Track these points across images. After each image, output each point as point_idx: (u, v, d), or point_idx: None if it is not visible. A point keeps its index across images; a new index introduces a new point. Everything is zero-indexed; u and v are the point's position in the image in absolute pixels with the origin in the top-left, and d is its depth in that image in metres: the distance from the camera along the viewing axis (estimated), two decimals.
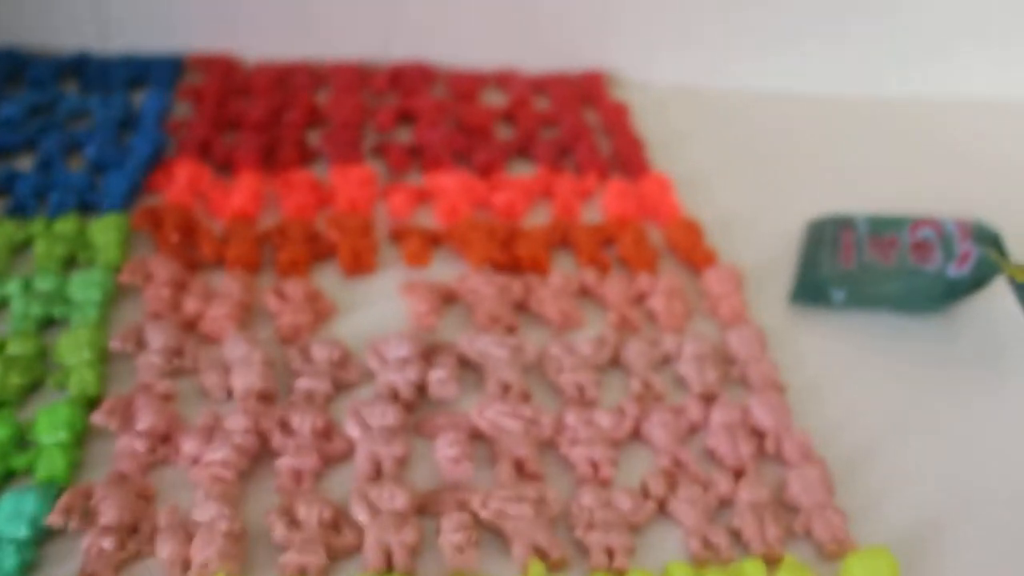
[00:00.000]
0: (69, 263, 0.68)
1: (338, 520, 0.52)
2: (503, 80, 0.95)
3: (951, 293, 0.71)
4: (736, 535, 0.55)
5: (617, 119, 0.91)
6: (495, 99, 0.93)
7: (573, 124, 0.88)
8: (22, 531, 0.50)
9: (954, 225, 0.74)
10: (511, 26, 0.97)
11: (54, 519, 0.50)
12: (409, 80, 0.92)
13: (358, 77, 0.92)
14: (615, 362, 0.66)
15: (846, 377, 0.67)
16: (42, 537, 0.50)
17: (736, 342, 0.67)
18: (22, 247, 0.69)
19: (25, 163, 0.78)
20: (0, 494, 0.52)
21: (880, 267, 0.74)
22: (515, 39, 0.97)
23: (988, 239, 0.72)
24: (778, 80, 0.98)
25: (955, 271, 0.70)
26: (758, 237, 0.79)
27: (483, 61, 0.97)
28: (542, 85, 0.95)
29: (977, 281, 0.70)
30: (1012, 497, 0.59)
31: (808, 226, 0.80)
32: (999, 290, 0.70)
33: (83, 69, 0.90)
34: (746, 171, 0.87)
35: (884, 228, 0.76)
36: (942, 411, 0.65)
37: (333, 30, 0.94)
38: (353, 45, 0.95)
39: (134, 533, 0.51)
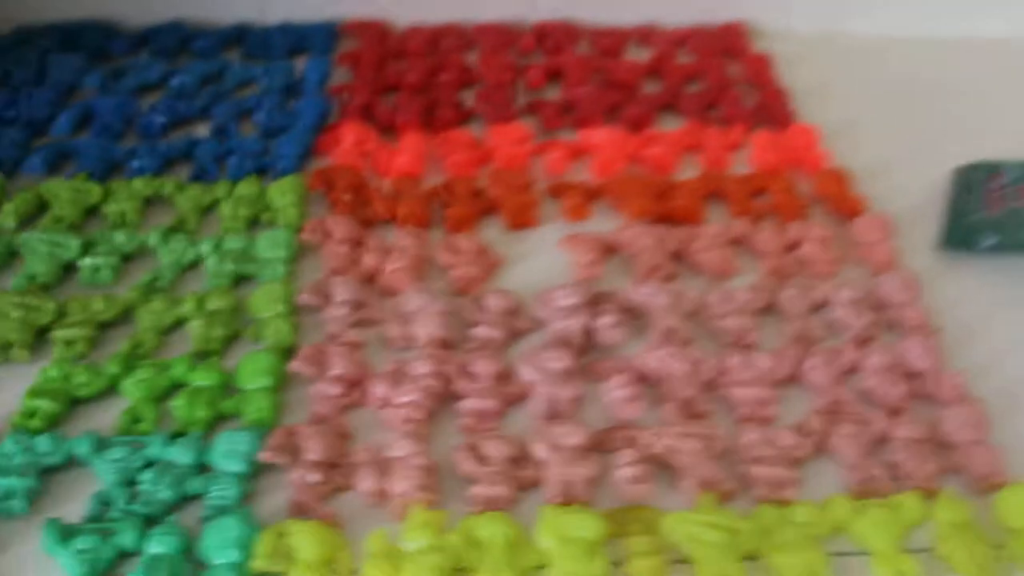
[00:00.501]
0: (253, 223, 0.72)
1: (520, 456, 0.56)
2: (645, 35, 0.97)
3: None
4: (894, 470, 0.57)
5: (760, 70, 0.92)
6: (639, 54, 0.95)
7: (717, 77, 0.90)
8: (238, 466, 0.54)
9: None
10: None
11: (267, 456, 0.55)
12: (555, 38, 0.95)
13: (506, 37, 0.95)
14: (771, 308, 0.68)
15: (997, 320, 0.69)
16: (255, 472, 0.55)
17: (888, 287, 0.68)
18: (208, 209, 0.74)
19: (201, 130, 0.82)
20: (212, 434, 0.56)
21: None
22: None
23: None
24: (920, 23, 0.98)
25: None
26: (906, 184, 0.80)
27: (624, 17, 0.98)
28: (684, 39, 0.97)
29: None
30: None
31: (955, 172, 0.80)
32: None
33: (244, 39, 0.94)
34: (892, 118, 0.88)
35: None
36: None
37: None
38: (498, 6, 0.98)
39: (336, 468, 0.55)
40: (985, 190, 0.77)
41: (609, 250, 0.71)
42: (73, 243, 0.69)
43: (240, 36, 0.95)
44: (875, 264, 0.71)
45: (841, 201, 0.76)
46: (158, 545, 0.51)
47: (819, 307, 0.68)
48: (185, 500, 0.54)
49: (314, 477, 0.54)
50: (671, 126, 0.85)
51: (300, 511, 0.53)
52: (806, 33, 0.99)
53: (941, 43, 0.97)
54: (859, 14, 0.99)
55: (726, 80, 0.90)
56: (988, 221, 0.74)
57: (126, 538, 0.51)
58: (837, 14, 0.99)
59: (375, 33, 0.95)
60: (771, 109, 0.87)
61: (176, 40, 0.94)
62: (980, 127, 0.86)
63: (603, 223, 0.74)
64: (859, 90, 0.92)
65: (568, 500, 0.54)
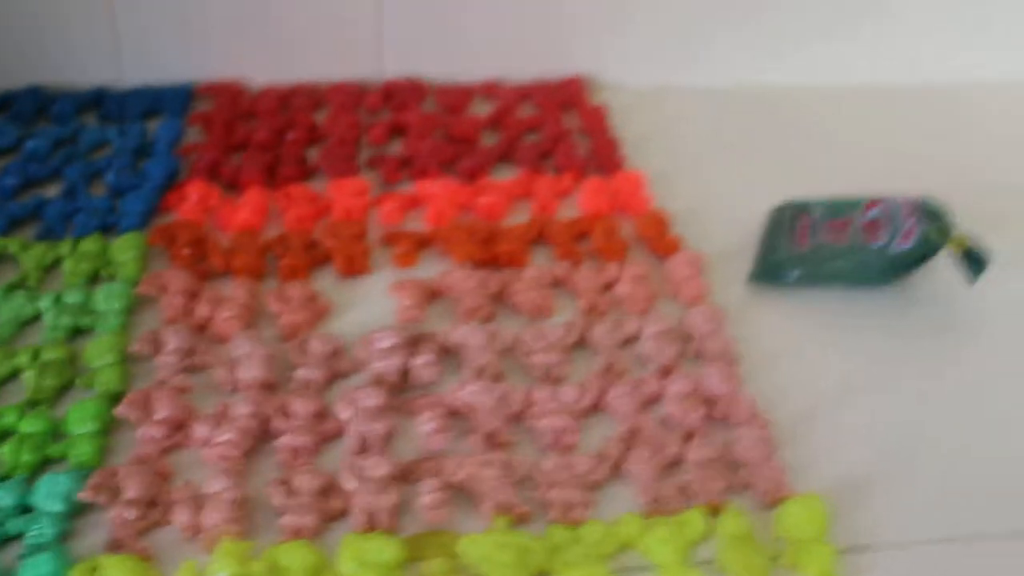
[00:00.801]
0: (94, 278, 0.76)
1: (329, 488, 0.60)
2: (490, 90, 1.02)
3: (896, 267, 0.78)
4: (684, 490, 0.62)
5: (596, 121, 0.98)
6: (483, 108, 1.00)
7: (554, 128, 0.96)
8: (58, 506, 0.58)
9: (902, 203, 0.80)
10: (498, 39, 1.04)
11: (86, 495, 0.58)
12: (401, 95, 1.00)
13: (355, 95, 1.00)
14: (583, 344, 0.73)
15: (799, 349, 0.74)
16: (75, 512, 0.58)
17: (695, 320, 0.74)
18: (52, 266, 0.77)
19: (52, 191, 0.86)
20: (38, 478, 0.60)
21: (832, 247, 0.80)
22: (502, 51, 1.04)
23: (933, 215, 0.78)
24: (748, 75, 1.05)
25: (899, 246, 0.77)
26: (724, 225, 0.86)
27: (472, 73, 1.04)
28: (527, 93, 1.02)
29: (920, 255, 0.77)
30: (942, 455, 0.66)
31: (769, 213, 0.86)
32: (946, 265, 0.76)
33: (102, 102, 0.98)
34: (716, 163, 0.94)
35: (839, 211, 0.82)
36: (886, 378, 0.72)
37: (331, 53, 1.01)
38: (350, 65, 1.02)
39: (154, 506, 0.59)
40: (794, 228, 0.83)
41: (433, 294, 0.76)
42: None
43: (98, 99, 0.98)
44: (686, 299, 0.76)
45: (659, 241, 0.82)
46: None
47: (629, 341, 0.73)
48: (7, 541, 0.57)
49: (131, 514, 0.58)
50: (507, 176, 0.89)
51: (117, 547, 0.56)
52: (641, 86, 1.05)
53: (766, 92, 1.04)
54: (688, 68, 1.05)
55: (562, 131, 0.95)
56: (795, 256, 0.80)
57: None
58: (669, 68, 1.06)
59: (229, 94, 0.99)
60: (602, 157, 0.92)
61: (34, 104, 0.97)
62: (800, 169, 0.93)
63: (433, 270, 0.78)
64: (688, 138, 0.98)
65: (373, 528, 0.58)
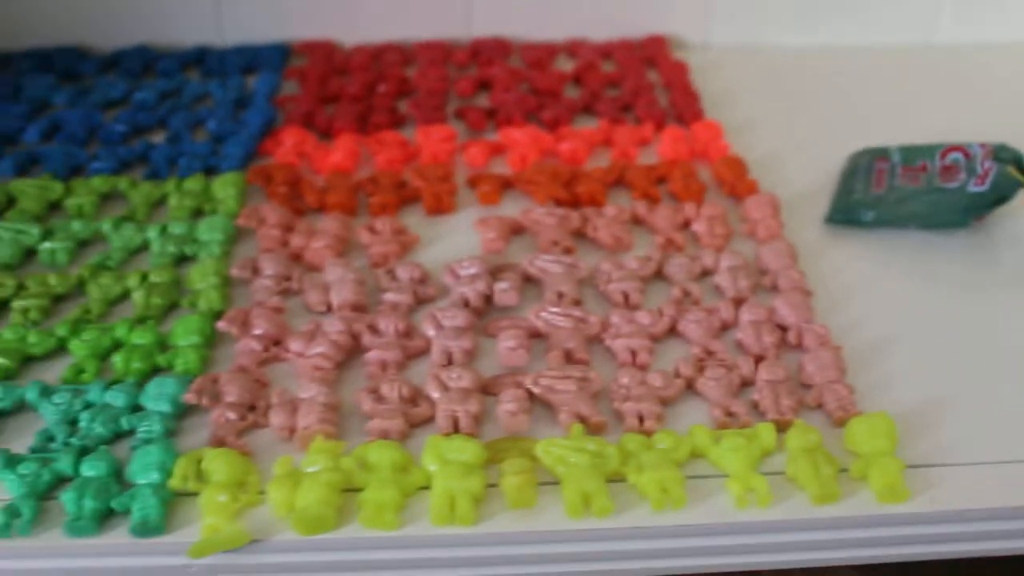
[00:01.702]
0: (197, 213, 0.80)
1: (415, 397, 0.64)
2: (574, 48, 1.06)
3: (972, 208, 0.79)
4: (755, 407, 0.65)
5: (676, 76, 1.00)
6: (567, 65, 1.03)
7: (635, 82, 0.99)
8: (165, 406, 0.62)
9: (979, 147, 0.81)
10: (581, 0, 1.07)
11: (190, 397, 0.63)
12: (488, 53, 1.04)
13: (443, 53, 1.04)
14: (661, 277, 0.75)
15: (873, 286, 0.76)
16: (180, 413, 0.63)
17: (768, 255, 0.76)
18: (158, 203, 0.82)
19: (158, 138, 0.91)
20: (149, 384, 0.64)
21: (909, 188, 0.82)
22: (585, 12, 1.08)
23: (1009, 158, 0.80)
24: (820, 36, 1.07)
25: (975, 187, 0.79)
26: (801, 171, 0.88)
27: (556, 34, 1.07)
28: (609, 50, 1.05)
29: (997, 195, 0.78)
30: (1011, 386, 0.67)
31: (848, 158, 0.88)
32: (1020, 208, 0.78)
33: (204, 59, 1.03)
34: (792, 117, 0.96)
35: (916, 156, 0.84)
36: (959, 315, 0.74)
37: (420, 12, 1.06)
38: (438, 26, 1.06)
39: (252, 409, 0.63)
40: (872, 171, 0.84)
41: (516, 229, 0.79)
42: (34, 231, 0.77)
43: (200, 57, 1.04)
44: (761, 237, 0.79)
45: (736, 184, 0.84)
46: (90, 469, 0.58)
47: (705, 274, 0.76)
48: (120, 436, 0.62)
49: (231, 415, 0.62)
50: (589, 126, 0.92)
51: (218, 444, 0.61)
52: (721, 46, 1.08)
53: (838, 53, 1.07)
54: (767, 31, 1.08)
55: (644, 85, 0.98)
56: (871, 198, 0.82)
57: (63, 464, 0.58)
58: (749, 30, 1.08)
59: (323, 52, 1.03)
60: (682, 109, 0.95)
61: (142, 62, 1.02)
62: (873, 123, 0.94)
63: (517, 209, 0.82)
64: (764, 95, 1.00)
65: (453, 432, 0.62)
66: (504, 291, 0.71)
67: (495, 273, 0.73)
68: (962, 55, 1.07)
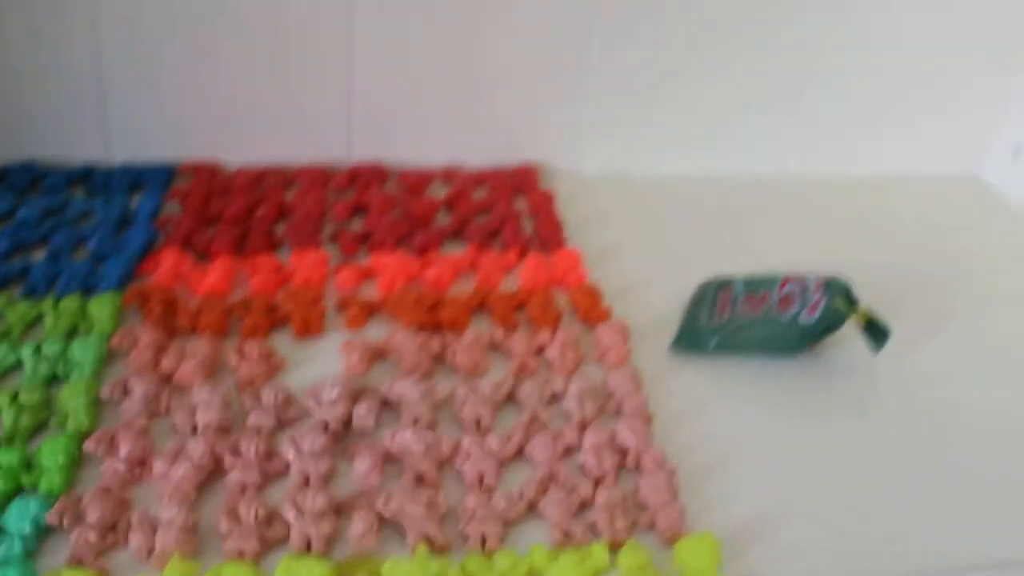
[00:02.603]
0: (72, 333, 0.84)
1: (272, 518, 0.67)
2: (448, 175, 1.12)
3: (805, 337, 0.86)
4: (592, 528, 0.69)
5: (543, 205, 1.07)
6: (441, 192, 1.09)
7: (504, 209, 1.04)
8: (26, 527, 0.65)
9: (813, 279, 0.88)
10: (458, 127, 1.13)
11: (51, 518, 0.66)
12: (366, 177, 1.09)
13: (323, 176, 1.09)
14: (513, 400, 0.80)
15: (711, 410, 0.82)
16: (42, 534, 0.66)
17: (615, 381, 0.81)
18: (34, 322, 0.85)
19: (39, 256, 0.94)
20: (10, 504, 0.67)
21: (748, 317, 0.88)
22: (462, 138, 1.14)
23: (839, 290, 0.87)
24: (681, 166, 1.15)
25: (806, 318, 0.85)
26: (655, 298, 0.94)
27: (432, 159, 1.13)
28: (482, 178, 1.11)
29: (825, 325, 0.85)
30: (830, 509, 0.73)
31: (695, 287, 0.94)
32: (851, 336, 0.85)
33: (90, 177, 1.07)
34: (651, 244, 1.03)
35: (757, 287, 0.90)
36: (788, 439, 0.79)
37: (303, 138, 1.11)
38: (320, 149, 1.12)
39: (113, 530, 0.66)
40: (716, 300, 0.91)
41: (379, 353, 0.84)
42: None
43: (86, 174, 1.07)
44: (610, 363, 0.84)
45: (589, 312, 0.90)
46: None
47: (555, 399, 0.81)
48: None
49: (91, 535, 0.65)
50: (457, 252, 0.98)
51: (77, 564, 0.64)
52: (591, 172, 1.14)
53: (703, 180, 1.14)
54: (636, 158, 1.15)
55: (511, 212, 1.04)
56: (714, 326, 0.88)
57: None
58: (618, 157, 1.15)
59: (207, 172, 1.08)
60: (545, 236, 1.01)
61: (28, 177, 1.06)
62: (728, 250, 1.01)
63: (382, 333, 0.86)
64: (628, 221, 1.07)
65: (307, 552, 0.65)
66: (363, 415, 0.75)
67: (356, 396, 0.77)
68: (815, 184, 1.15)
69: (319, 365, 0.83)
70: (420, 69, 1.08)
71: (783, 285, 0.89)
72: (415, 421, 0.76)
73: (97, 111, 1.07)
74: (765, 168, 1.18)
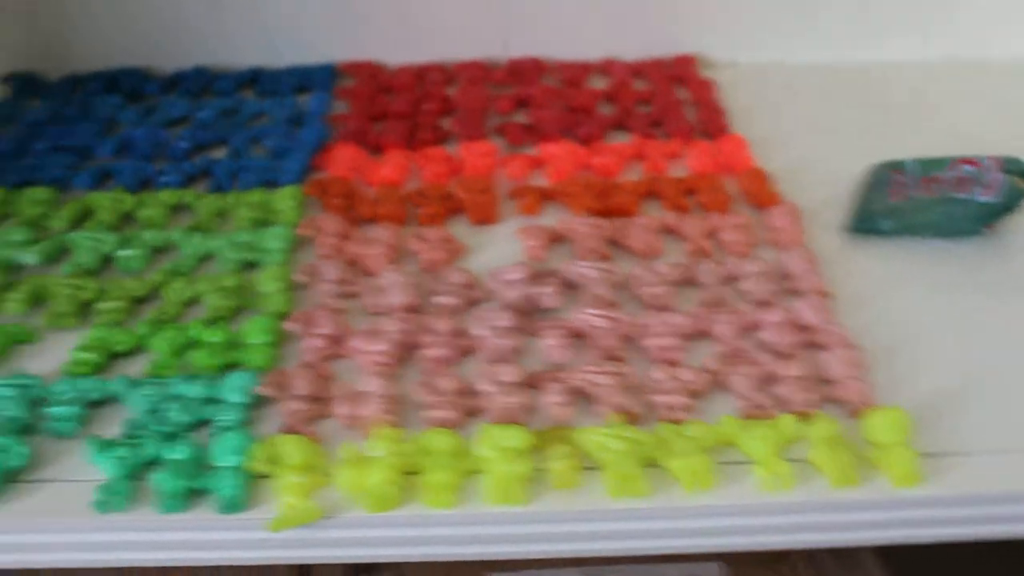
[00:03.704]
0: (258, 224, 0.87)
1: (468, 391, 0.70)
2: (606, 67, 1.12)
3: (982, 217, 0.85)
4: (778, 401, 0.70)
5: (704, 93, 1.06)
6: (599, 83, 1.10)
7: (665, 99, 1.05)
8: (240, 398, 0.68)
9: (989, 160, 0.87)
10: (613, 21, 1.13)
11: (262, 389, 0.69)
12: (525, 72, 1.10)
13: (482, 72, 1.10)
14: (690, 282, 0.81)
15: (890, 291, 0.81)
16: (253, 404, 0.69)
17: (791, 261, 0.82)
18: (222, 214, 0.89)
19: (219, 154, 0.98)
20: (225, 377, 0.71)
21: (923, 199, 0.87)
22: (617, 33, 1.14)
23: (1018, 169, 0.85)
24: (846, 52, 1.13)
25: (984, 197, 0.84)
26: (822, 183, 0.93)
27: (589, 53, 1.13)
28: (640, 69, 1.11)
29: (1005, 205, 0.84)
30: (1014, 378, 0.73)
31: (866, 170, 0.94)
32: None
33: (258, 80, 1.10)
34: (812, 132, 1.02)
35: (932, 168, 0.89)
36: (970, 319, 0.79)
37: (459, 35, 1.12)
38: (476, 47, 1.13)
39: (318, 401, 0.69)
40: (889, 183, 0.90)
41: (555, 238, 0.85)
42: (111, 239, 0.84)
43: (254, 78, 1.10)
44: (784, 245, 0.84)
45: (760, 196, 0.90)
46: (176, 453, 0.64)
47: (731, 279, 0.81)
48: (200, 424, 0.68)
49: (300, 406, 0.68)
50: (621, 141, 0.98)
51: (290, 431, 0.67)
52: (746, 63, 1.13)
53: (855, 68, 1.12)
54: (791, 47, 1.13)
55: (672, 101, 1.04)
56: (888, 208, 0.87)
57: (151, 449, 0.65)
58: (773, 48, 1.13)
59: (368, 72, 1.10)
60: (709, 124, 1.01)
61: (200, 82, 1.09)
62: (885, 137, 1.00)
63: (553, 219, 0.88)
64: (789, 110, 1.06)
65: (504, 423, 0.68)
66: (547, 294, 0.77)
67: (537, 278, 0.79)
68: (974, 70, 1.12)
69: (497, 250, 0.85)
70: None
71: (958, 165, 0.88)
72: (597, 300, 0.77)
73: (262, 17, 1.10)
74: (931, 54, 1.15)
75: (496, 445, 0.65)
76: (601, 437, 0.66)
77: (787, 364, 0.72)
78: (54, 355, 0.75)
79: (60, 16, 1.11)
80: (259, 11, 1.10)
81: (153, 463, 0.65)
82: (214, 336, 0.73)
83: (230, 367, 0.72)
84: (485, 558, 0.65)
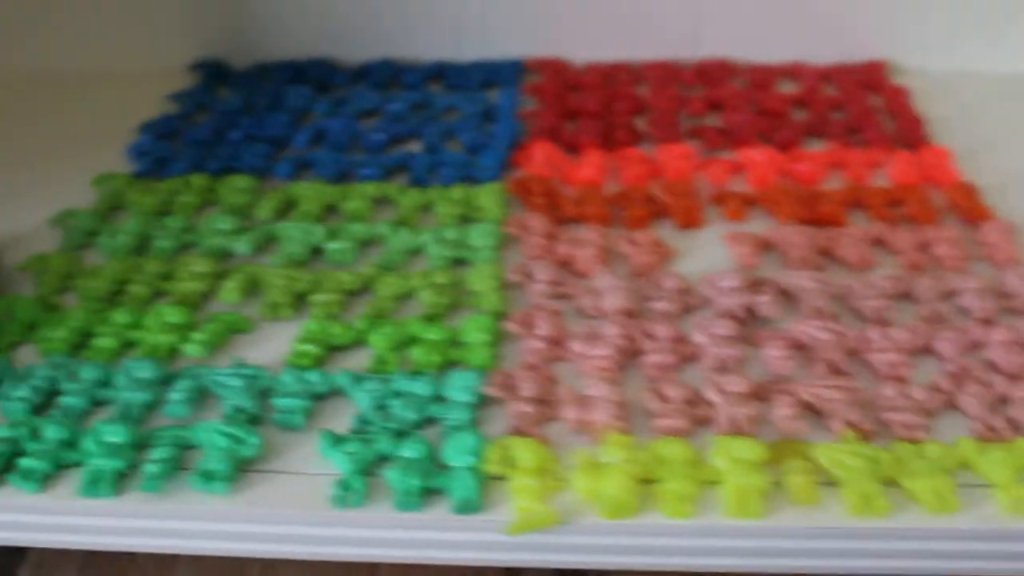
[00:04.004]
0: (462, 220, 0.87)
1: (694, 399, 0.69)
2: (794, 71, 1.10)
3: None
4: (1013, 423, 0.68)
5: (898, 101, 1.04)
6: (788, 88, 1.08)
7: (859, 107, 1.02)
8: (468, 397, 0.68)
9: None
10: (800, 25, 1.11)
11: (491, 390, 0.69)
12: (712, 73, 1.09)
13: (670, 73, 1.09)
14: (906, 296, 0.79)
15: None
16: (479, 403, 0.69)
17: (1012, 279, 0.79)
18: (424, 208, 0.89)
19: (413, 147, 0.98)
20: (441, 375, 0.70)
21: None
22: (804, 37, 1.12)
23: None
24: None
25: None
26: None
27: (775, 56, 1.12)
28: (829, 75, 1.09)
29: None
30: None
31: None
32: None
33: (444, 74, 1.10)
34: (1016, 144, 0.99)
35: None
36: None
37: (646, 34, 1.11)
38: (663, 47, 1.12)
39: (544, 403, 0.69)
40: None
41: (765, 246, 0.84)
42: (319, 231, 0.84)
43: (440, 71, 1.11)
44: (999, 262, 0.82)
45: (970, 210, 0.87)
46: (409, 451, 0.64)
47: (949, 296, 0.79)
48: (426, 422, 0.68)
49: (528, 408, 0.68)
50: (817, 148, 0.97)
51: (519, 433, 0.67)
52: (938, 71, 1.10)
53: None
54: (986, 55, 1.10)
55: (867, 109, 1.02)
56: None
57: (383, 445, 0.65)
58: (967, 55, 1.11)
59: (555, 69, 1.10)
60: (907, 134, 0.98)
61: (387, 75, 1.10)
62: None
63: (758, 226, 0.86)
64: (985, 121, 1.03)
65: (735, 434, 0.67)
66: (764, 303, 0.76)
67: (753, 286, 0.78)
68: None
69: (704, 255, 0.84)
70: None
71: None
72: (816, 312, 0.76)
73: (452, 11, 1.10)
74: None
75: (731, 456, 0.64)
76: (837, 453, 0.64)
77: (1018, 386, 0.70)
78: (270, 345, 0.75)
79: (245, 6, 1.12)
80: (447, 5, 1.10)
81: (383, 460, 0.65)
82: (433, 334, 0.73)
83: (450, 365, 0.72)
84: (715, 571, 0.64)
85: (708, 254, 0.84)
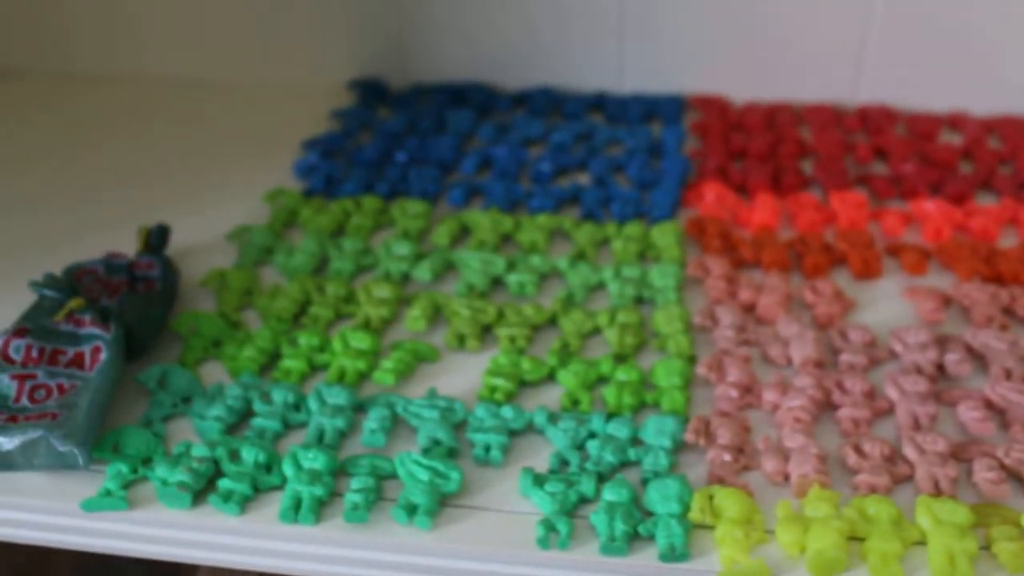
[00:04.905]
0: (639, 257, 0.87)
1: (893, 455, 0.69)
2: (956, 122, 1.09)
3: None
4: None
5: None
6: (951, 138, 1.07)
7: None
8: (666, 442, 0.68)
9: None
10: (961, 72, 1.11)
11: (689, 436, 0.69)
12: (875, 120, 1.08)
13: (832, 116, 1.09)
14: None
15: None
16: (676, 448, 0.69)
17: None
18: (599, 243, 0.89)
19: (581, 179, 0.99)
20: (636, 417, 0.71)
21: None
22: (966, 83, 1.11)
23: None
24: None
25: None
26: None
27: (937, 105, 1.11)
28: (993, 126, 1.08)
29: None
30: None
31: None
32: None
33: (604, 105, 1.11)
34: None
35: None
36: None
37: (808, 76, 1.11)
38: (823, 88, 1.12)
39: (741, 452, 0.69)
40: None
41: (947, 302, 0.83)
42: (499, 261, 0.85)
43: (600, 103, 1.11)
44: None
45: None
46: (613, 494, 0.65)
47: None
48: (623, 465, 0.68)
49: (727, 456, 0.68)
50: (988, 202, 0.96)
51: (717, 482, 0.67)
52: None
53: None
54: None
55: None
56: None
57: (586, 487, 0.65)
58: None
59: (717, 107, 1.10)
60: None
61: (547, 103, 1.11)
62: None
63: (936, 280, 0.86)
64: None
65: (936, 494, 0.66)
66: (957, 362, 0.75)
67: (941, 343, 0.77)
68: None
69: (883, 307, 0.84)
70: (940, 11, 1.06)
71: None
72: (1007, 373, 0.75)
73: (615, 41, 1.10)
74: None
75: (935, 518, 0.64)
76: None
77: None
78: (456, 376, 0.76)
79: (404, 26, 1.14)
80: (611, 36, 1.11)
81: (584, 501, 0.65)
82: (626, 374, 0.74)
83: (641, 407, 0.72)
84: None
85: (887, 306, 0.84)
